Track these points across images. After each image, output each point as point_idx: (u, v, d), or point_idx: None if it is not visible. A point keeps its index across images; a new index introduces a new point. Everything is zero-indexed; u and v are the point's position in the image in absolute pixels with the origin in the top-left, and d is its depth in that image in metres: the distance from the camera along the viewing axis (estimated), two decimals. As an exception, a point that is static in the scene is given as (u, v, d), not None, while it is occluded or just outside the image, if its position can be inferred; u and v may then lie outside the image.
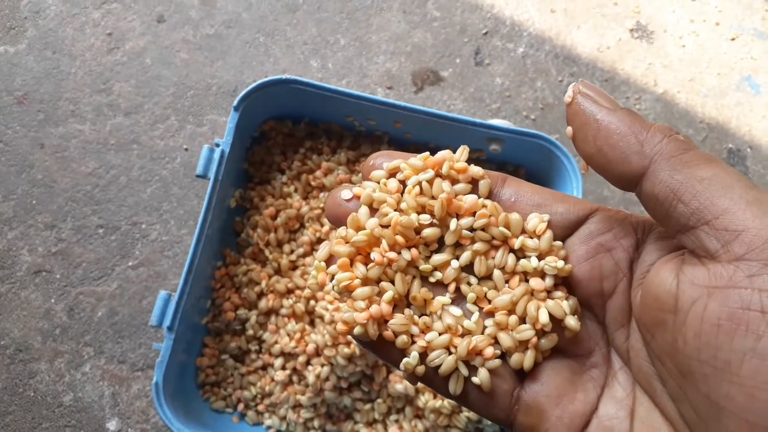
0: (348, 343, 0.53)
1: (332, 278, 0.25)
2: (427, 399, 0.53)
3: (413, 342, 0.25)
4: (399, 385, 0.53)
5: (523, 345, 0.25)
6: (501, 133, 0.53)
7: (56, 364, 0.60)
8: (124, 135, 0.66)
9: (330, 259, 0.26)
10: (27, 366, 0.60)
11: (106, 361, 0.60)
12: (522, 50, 0.70)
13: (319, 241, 0.58)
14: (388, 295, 0.25)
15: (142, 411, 0.59)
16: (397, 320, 0.25)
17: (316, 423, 0.55)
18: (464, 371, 0.25)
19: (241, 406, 0.56)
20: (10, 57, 0.68)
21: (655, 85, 0.70)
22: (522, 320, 0.25)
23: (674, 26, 0.72)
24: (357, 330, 0.25)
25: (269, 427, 0.55)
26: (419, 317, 0.25)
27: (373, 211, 0.26)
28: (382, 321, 0.25)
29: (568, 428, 0.23)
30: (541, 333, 0.25)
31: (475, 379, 0.25)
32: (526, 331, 0.24)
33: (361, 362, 0.53)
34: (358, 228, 0.25)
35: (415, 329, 0.25)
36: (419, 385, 0.53)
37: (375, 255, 0.25)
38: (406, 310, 0.26)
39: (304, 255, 0.58)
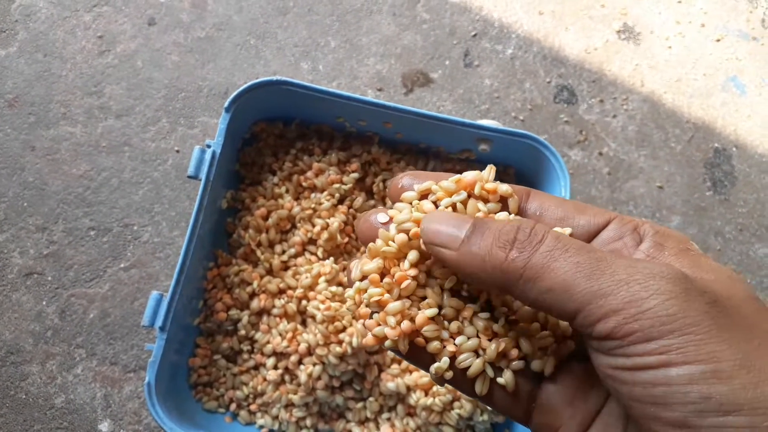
0: (339, 342, 0.53)
1: (364, 292, 0.26)
2: (418, 397, 0.53)
3: (443, 347, 0.26)
4: (390, 383, 0.53)
5: (542, 350, 0.26)
6: (490, 133, 0.54)
7: (48, 366, 0.60)
8: (116, 137, 0.66)
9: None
10: (18, 368, 0.60)
11: (98, 362, 0.60)
12: (510, 52, 0.71)
13: (311, 241, 0.59)
14: (432, 311, 0.26)
15: (135, 412, 0.59)
16: (430, 327, 0.26)
17: (308, 422, 0.55)
18: (490, 373, 0.26)
19: (233, 406, 0.56)
20: (0, 60, 0.68)
21: (642, 86, 0.71)
22: (543, 327, 0.26)
23: (660, 28, 0.73)
24: (388, 343, 0.26)
25: (261, 427, 0.56)
26: (449, 323, 0.26)
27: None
28: (412, 332, 0.26)
29: (579, 426, 0.24)
30: (560, 339, 0.26)
31: (500, 380, 0.26)
32: (546, 338, 0.26)
33: (353, 361, 0.53)
34: (388, 241, 0.26)
35: (445, 334, 0.26)
36: (411, 383, 0.54)
37: (398, 273, 0.26)
38: (437, 317, 0.26)
39: (296, 255, 0.58)
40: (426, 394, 0.53)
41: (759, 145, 0.69)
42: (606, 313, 0.20)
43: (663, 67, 0.72)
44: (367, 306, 0.26)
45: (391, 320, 0.26)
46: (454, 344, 0.26)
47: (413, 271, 0.26)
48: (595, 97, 0.70)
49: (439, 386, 0.53)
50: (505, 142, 0.55)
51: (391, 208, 0.27)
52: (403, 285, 0.26)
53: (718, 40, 0.73)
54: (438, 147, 0.60)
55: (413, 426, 0.54)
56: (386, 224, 0.27)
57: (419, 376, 0.54)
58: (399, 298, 0.26)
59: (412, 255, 0.26)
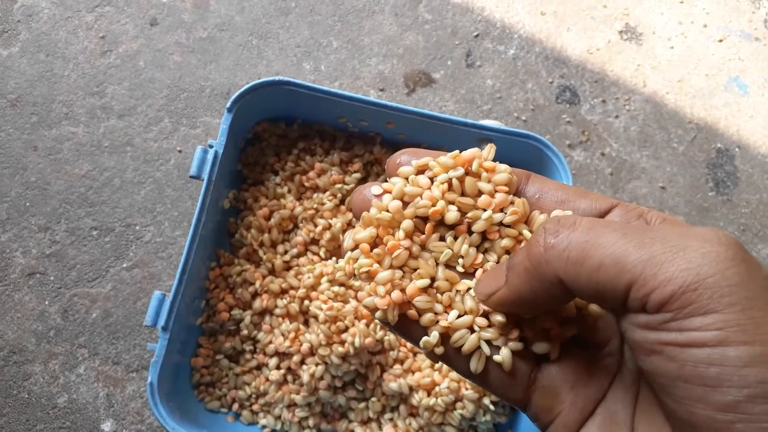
0: (342, 343, 0.53)
1: (355, 262, 0.26)
2: (421, 397, 0.53)
3: (437, 321, 0.26)
4: (393, 383, 0.53)
5: (543, 332, 0.25)
6: (492, 133, 0.54)
7: (50, 365, 0.60)
8: (118, 137, 0.66)
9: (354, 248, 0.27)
10: (21, 368, 0.60)
11: (101, 362, 0.60)
12: (512, 52, 0.71)
13: (314, 241, 0.59)
14: (424, 282, 0.26)
15: (137, 412, 0.59)
16: (422, 298, 0.26)
17: (310, 422, 0.55)
18: (486, 350, 0.25)
19: (235, 406, 0.56)
20: (3, 60, 0.68)
21: (645, 86, 0.71)
22: None
23: (663, 28, 0.73)
24: (378, 314, 0.26)
25: (264, 427, 0.56)
26: (441, 295, 0.26)
27: (403, 205, 0.27)
28: (404, 304, 0.26)
29: (581, 412, 0.24)
30: (560, 319, 0.25)
31: (497, 358, 0.25)
32: (548, 320, 0.25)
33: (356, 361, 0.53)
34: (382, 210, 0.26)
35: (438, 307, 0.26)
36: (413, 383, 0.53)
37: (390, 242, 0.26)
38: (429, 289, 0.26)
39: (298, 255, 0.58)
40: (428, 395, 0.53)
41: (762, 146, 0.69)
42: (661, 281, 0.19)
43: (665, 67, 0.72)
44: (357, 276, 0.26)
45: (381, 290, 0.25)
46: (447, 321, 0.26)
47: (406, 242, 0.26)
48: (597, 98, 0.70)
49: (441, 386, 0.53)
50: (508, 143, 0.54)
51: (386, 182, 0.27)
52: (395, 254, 0.26)
53: (721, 41, 0.73)
54: (440, 147, 0.60)
55: (416, 426, 0.54)
56: (380, 196, 0.27)
57: (422, 377, 0.54)
58: (390, 268, 0.26)
59: (406, 224, 0.26)
